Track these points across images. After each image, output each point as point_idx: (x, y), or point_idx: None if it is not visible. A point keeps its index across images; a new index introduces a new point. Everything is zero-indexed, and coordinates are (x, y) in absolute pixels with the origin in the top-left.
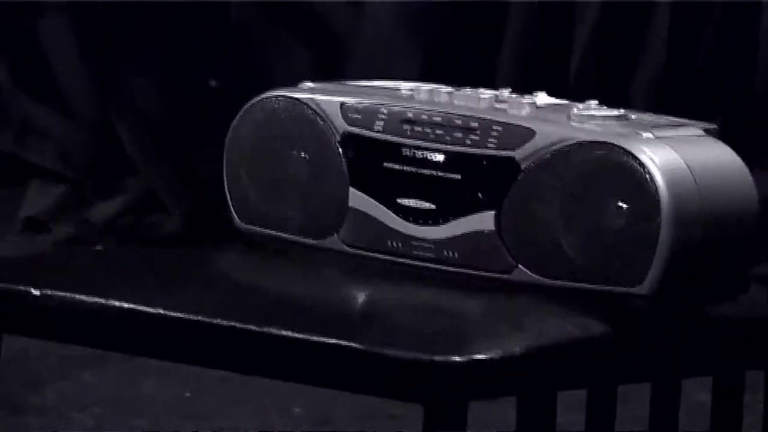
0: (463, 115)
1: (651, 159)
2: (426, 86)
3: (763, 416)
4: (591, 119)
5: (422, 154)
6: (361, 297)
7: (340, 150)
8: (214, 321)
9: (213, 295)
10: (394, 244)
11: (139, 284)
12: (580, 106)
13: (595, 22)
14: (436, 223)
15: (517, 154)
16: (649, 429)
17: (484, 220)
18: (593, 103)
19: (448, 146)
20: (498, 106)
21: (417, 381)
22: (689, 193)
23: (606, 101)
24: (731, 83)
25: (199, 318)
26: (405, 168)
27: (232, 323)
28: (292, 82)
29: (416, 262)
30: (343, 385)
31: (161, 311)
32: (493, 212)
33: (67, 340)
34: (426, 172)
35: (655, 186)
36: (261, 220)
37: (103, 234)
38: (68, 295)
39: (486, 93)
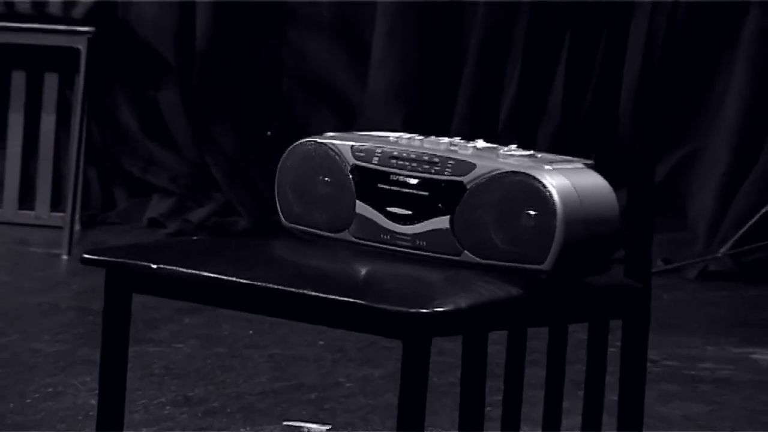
0: (429, 154)
1: (550, 183)
2: (406, 135)
3: (621, 349)
4: (512, 157)
5: (403, 179)
6: (363, 270)
7: (350, 176)
8: (269, 285)
9: (268, 268)
10: (385, 237)
11: (221, 261)
12: (505, 148)
13: (514, 95)
14: (411, 223)
15: (465, 179)
16: (547, 357)
17: (442, 222)
18: (514, 146)
19: (420, 174)
20: (452, 148)
21: (399, 325)
22: (575, 204)
23: (522, 145)
24: (601, 133)
25: (259, 283)
26: (392, 188)
27: (280, 287)
28: (320, 132)
29: (399, 249)
30: (352, 327)
31: (234, 279)
32: (448, 216)
33: (173, 297)
34: (405, 190)
35: (553, 200)
36: (299, 221)
37: (199, 229)
38: (175, 268)
39: (444, 140)
